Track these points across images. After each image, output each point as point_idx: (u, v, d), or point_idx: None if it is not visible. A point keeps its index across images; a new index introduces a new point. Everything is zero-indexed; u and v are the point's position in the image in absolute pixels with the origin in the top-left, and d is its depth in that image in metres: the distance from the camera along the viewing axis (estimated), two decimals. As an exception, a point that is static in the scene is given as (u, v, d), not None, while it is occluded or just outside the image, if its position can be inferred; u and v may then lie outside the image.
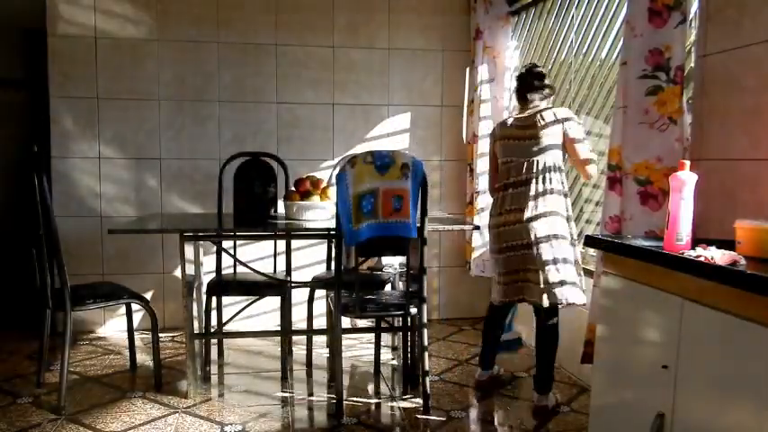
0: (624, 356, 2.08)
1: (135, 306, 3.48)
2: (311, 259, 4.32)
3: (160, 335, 3.48)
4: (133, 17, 4.16)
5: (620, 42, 2.77)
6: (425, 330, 3.05)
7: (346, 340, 4.03)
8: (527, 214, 2.90)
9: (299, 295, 4.01)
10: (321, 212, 3.26)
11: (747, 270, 1.59)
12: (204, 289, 3.53)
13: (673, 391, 1.78)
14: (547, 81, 3.04)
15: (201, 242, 3.60)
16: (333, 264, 3.52)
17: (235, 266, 3.66)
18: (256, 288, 3.49)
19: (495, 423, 2.99)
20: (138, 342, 3.82)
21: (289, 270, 3.64)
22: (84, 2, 4.09)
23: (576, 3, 3.63)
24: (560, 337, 3.04)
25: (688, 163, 1.95)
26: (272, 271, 3.73)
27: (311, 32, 4.35)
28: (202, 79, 4.26)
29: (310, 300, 3.55)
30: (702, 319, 1.68)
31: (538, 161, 2.92)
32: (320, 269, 4.12)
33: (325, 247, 3.98)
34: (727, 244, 1.84)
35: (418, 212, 2.95)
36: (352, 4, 4.39)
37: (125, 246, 4.23)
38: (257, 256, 4.13)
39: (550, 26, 3.94)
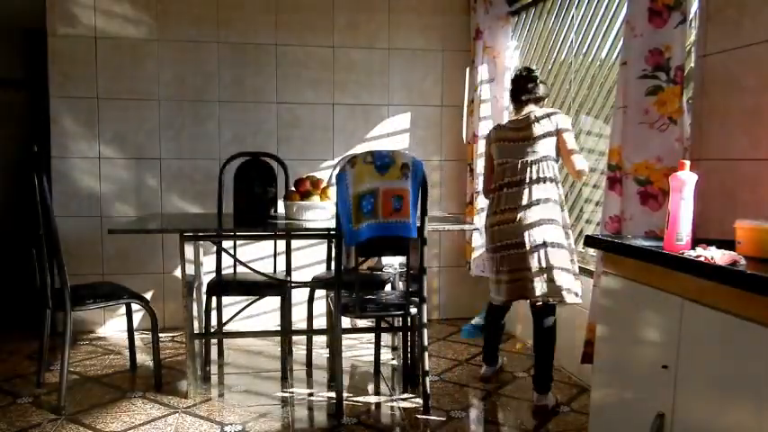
0: (624, 356, 2.08)
1: (135, 306, 3.48)
2: (311, 259, 4.32)
3: (160, 335, 3.48)
4: (133, 17, 4.16)
5: (620, 42, 2.77)
6: (425, 330, 3.05)
7: (346, 340, 4.03)
8: (521, 213, 2.94)
9: (299, 295, 4.01)
10: (321, 212, 3.26)
11: (747, 270, 1.59)
12: (204, 289, 3.53)
13: (673, 391, 1.78)
14: (541, 84, 3.07)
15: (201, 242, 3.60)
16: (333, 264, 3.52)
17: (235, 266, 3.66)
18: (256, 288, 3.49)
19: (496, 423, 2.99)
20: (138, 342, 3.82)
21: (289, 270, 3.64)
22: (84, 2, 4.09)
23: (576, 3, 3.63)
24: (560, 337, 3.05)
25: (688, 163, 1.95)
26: (272, 271, 3.73)
27: (311, 32, 4.36)
28: (202, 79, 4.26)
29: (310, 300, 3.56)
30: (702, 319, 1.68)
31: (532, 161, 2.96)
32: (320, 269, 4.12)
33: (325, 247, 3.98)
34: (727, 244, 1.84)
35: (418, 212, 2.95)
36: (352, 4, 4.39)
37: (125, 246, 4.23)
38: (257, 256, 4.13)
39: (550, 26, 3.94)
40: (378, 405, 3.14)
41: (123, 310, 3.67)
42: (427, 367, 3.04)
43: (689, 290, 1.73)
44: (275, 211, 3.63)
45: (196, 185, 4.29)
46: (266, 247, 4.14)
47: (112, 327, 4.30)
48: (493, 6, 4.25)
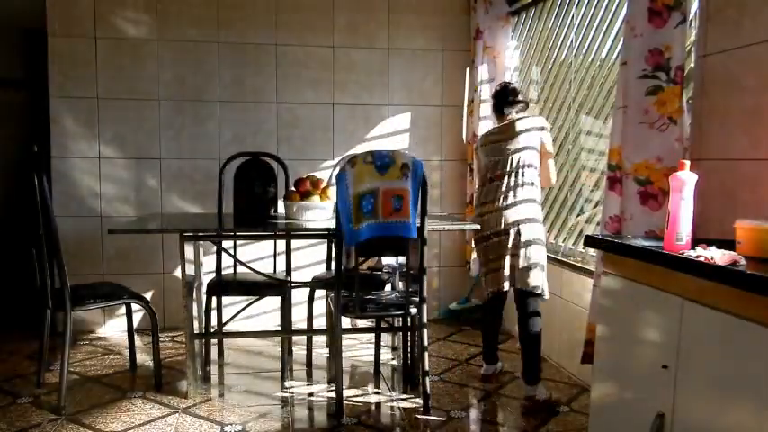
0: (624, 356, 2.08)
1: (135, 306, 3.48)
2: (311, 259, 4.32)
3: (160, 335, 3.48)
4: (133, 17, 4.16)
5: (620, 42, 2.77)
6: (425, 330, 3.05)
7: (346, 340, 4.03)
8: (501, 203, 3.10)
9: (299, 295, 4.01)
10: (321, 212, 3.26)
11: (747, 270, 1.59)
12: (204, 289, 3.53)
13: (673, 391, 1.78)
14: (520, 96, 3.25)
15: (201, 242, 3.60)
16: (333, 264, 3.52)
17: (235, 266, 3.66)
18: (256, 288, 3.49)
19: (496, 423, 2.99)
20: (138, 342, 3.82)
21: (289, 270, 3.64)
22: (84, 2, 4.09)
23: (576, 3, 3.63)
24: (560, 336, 3.05)
25: (688, 163, 1.95)
26: (272, 271, 3.73)
27: (311, 32, 4.36)
28: (202, 79, 4.26)
29: (310, 300, 3.56)
30: (702, 319, 1.68)
31: (513, 158, 3.12)
32: (320, 269, 4.12)
33: (325, 247, 3.98)
34: (727, 244, 1.84)
35: (418, 212, 2.95)
36: (352, 4, 4.39)
37: (125, 246, 4.23)
38: (257, 256, 4.13)
39: (550, 26, 3.94)
40: (378, 405, 3.14)
41: (123, 310, 3.67)
42: (427, 367, 3.04)
43: (689, 290, 1.73)
44: (275, 211, 3.63)
45: (196, 185, 4.29)
46: (266, 247, 4.14)
47: (112, 327, 4.30)
48: (493, 6, 4.25)
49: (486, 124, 4.19)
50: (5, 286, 4.56)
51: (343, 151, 4.38)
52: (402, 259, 3.25)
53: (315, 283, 3.59)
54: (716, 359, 1.64)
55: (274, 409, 3.05)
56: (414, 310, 3.04)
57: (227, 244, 3.95)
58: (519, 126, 3.13)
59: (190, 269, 3.45)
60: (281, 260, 3.72)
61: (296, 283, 3.73)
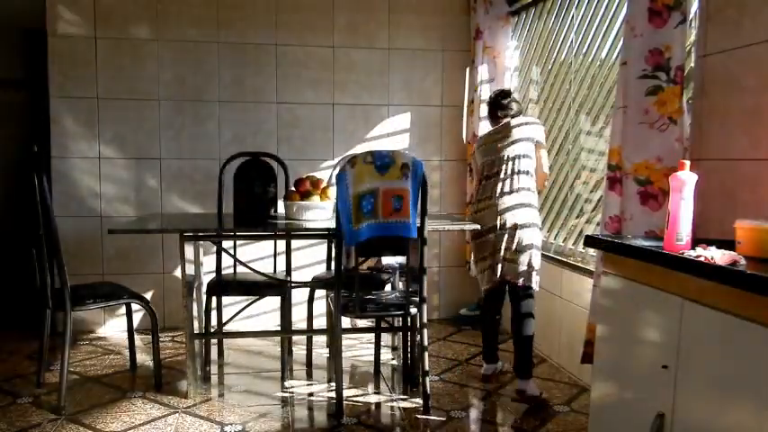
0: (624, 356, 2.08)
1: (135, 306, 3.48)
2: (311, 259, 4.32)
3: (160, 335, 3.48)
4: (133, 17, 4.16)
5: (620, 42, 2.77)
6: (425, 330, 3.05)
7: (346, 340, 4.03)
8: (498, 199, 3.15)
9: (299, 295, 4.01)
10: (321, 212, 3.26)
11: (747, 270, 1.59)
12: (204, 289, 3.53)
13: (673, 391, 1.78)
14: (514, 101, 3.32)
15: (201, 242, 3.60)
16: (333, 264, 3.52)
17: (235, 266, 3.66)
18: (256, 288, 3.49)
19: (495, 423, 2.99)
20: (138, 342, 3.82)
21: (289, 270, 3.64)
22: (84, 2, 4.09)
23: (576, 3, 3.62)
24: (560, 336, 3.05)
25: (688, 163, 1.95)
26: (272, 271, 3.73)
27: (311, 32, 4.36)
28: (202, 79, 4.26)
29: (310, 300, 3.56)
30: (702, 319, 1.68)
31: (507, 152, 3.18)
32: (320, 269, 4.12)
33: (325, 247, 3.98)
34: (727, 244, 1.83)
35: (418, 212, 2.95)
36: (352, 4, 4.39)
37: (125, 246, 4.23)
38: (257, 256, 4.13)
39: (550, 26, 3.94)
40: (378, 405, 3.14)
41: (123, 310, 3.67)
42: (427, 367, 3.04)
43: (689, 290, 1.73)
44: (275, 211, 3.63)
45: (196, 185, 4.29)
46: (266, 247, 4.14)
47: (112, 327, 4.30)
48: (493, 6, 4.25)
49: (487, 124, 4.17)
50: (5, 286, 4.56)
51: (343, 151, 4.38)
52: (402, 259, 3.25)
53: (315, 283, 3.59)
54: (716, 359, 1.64)
55: (274, 409, 3.05)
56: (414, 310, 3.05)
57: (227, 244, 3.95)
58: (512, 124, 3.21)
59: (190, 269, 3.45)
60: (281, 260, 3.72)
61: (296, 283, 3.73)
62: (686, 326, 1.74)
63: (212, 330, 3.59)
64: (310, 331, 3.59)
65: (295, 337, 3.98)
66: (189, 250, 3.40)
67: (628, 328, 2.06)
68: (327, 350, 3.88)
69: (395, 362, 3.77)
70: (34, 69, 4.59)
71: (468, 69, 4.54)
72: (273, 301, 3.65)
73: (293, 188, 3.35)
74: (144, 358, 3.68)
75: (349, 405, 3.08)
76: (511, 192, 3.14)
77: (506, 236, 3.12)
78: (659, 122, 2.51)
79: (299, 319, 4.11)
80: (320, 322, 4.01)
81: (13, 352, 3.82)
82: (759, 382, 1.48)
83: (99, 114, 4.17)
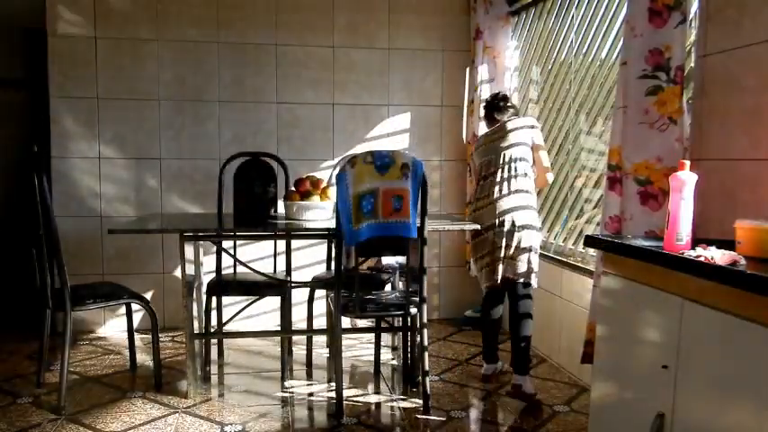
0: (624, 356, 2.08)
1: (135, 306, 3.48)
2: (311, 259, 4.32)
3: (160, 335, 3.48)
4: (133, 17, 4.16)
5: (620, 42, 2.77)
6: (425, 330, 3.05)
7: (346, 340, 4.03)
8: (497, 198, 3.16)
9: (299, 295, 4.01)
10: (321, 212, 3.26)
11: (747, 270, 1.59)
12: (204, 289, 3.53)
13: (673, 391, 1.78)
14: (510, 103, 3.34)
15: (201, 242, 3.60)
16: (333, 264, 3.52)
17: (235, 266, 3.66)
18: (256, 288, 3.49)
19: (496, 423, 2.99)
20: (138, 342, 3.82)
21: (289, 270, 3.64)
22: (84, 2, 4.09)
23: (576, 3, 3.63)
24: (560, 336, 3.05)
25: (688, 163, 1.95)
26: (272, 271, 3.73)
27: (311, 32, 4.36)
28: (202, 79, 4.26)
29: (310, 300, 3.56)
30: (702, 319, 1.68)
31: (504, 154, 3.19)
32: (320, 269, 4.12)
33: (325, 247, 3.98)
34: (728, 244, 1.84)
35: (418, 212, 2.95)
36: (352, 4, 4.39)
37: (125, 246, 4.23)
38: (257, 256, 4.13)
39: (550, 26, 3.94)
40: (378, 405, 3.14)
41: (123, 310, 3.67)
42: (427, 367, 3.04)
43: (689, 290, 1.73)
44: (275, 211, 3.63)
45: (196, 185, 4.29)
46: (266, 247, 4.14)
47: (112, 327, 4.30)
48: (493, 6, 4.25)
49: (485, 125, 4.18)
50: (5, 286, 4.56)
51: (343, 151, 4.38)
52: (402, 259, 3.25)
53: (315, 283, 3.59)
54: (716, 359, 1.64)
55: (274, 409, 3.05)
56: (414, 310, 3.04)
57: (227, 244, 3.95)
58: (509, 126, 3.23)
59: (190, 269, 3.45)
60: (281, 260, 3.72)
61: (296, 283, 3.73)
62: (686, 326, 1.74)
63: (212, 330, 3.59)
64: (310, 331, 3.59)
65: (295, 337, 3.98)
66: (189, 250, 3.40)
67: (628, 328, 2.06)
68: (327, 350, 3.88)
69: (395, 362, 3.77)
70: (34, 69, 4.59)
71: (468, 69, 4.54)
72: (273, 301, 3.65)
73: (293, 188, 3.35)
74: (144, 358, 3.68)
75: (349, 405, 3.08)
76: (510, 193, 3.15)
77: (505, 235, 3.12)
78: (659, 122, 2.51)
79: (299, 319, 4.12)
80: (320, 322, 4.01)
81: (13, 352, 3.82)
82: (759, 382, 1.48)
83: (99, 114, 4.17)
